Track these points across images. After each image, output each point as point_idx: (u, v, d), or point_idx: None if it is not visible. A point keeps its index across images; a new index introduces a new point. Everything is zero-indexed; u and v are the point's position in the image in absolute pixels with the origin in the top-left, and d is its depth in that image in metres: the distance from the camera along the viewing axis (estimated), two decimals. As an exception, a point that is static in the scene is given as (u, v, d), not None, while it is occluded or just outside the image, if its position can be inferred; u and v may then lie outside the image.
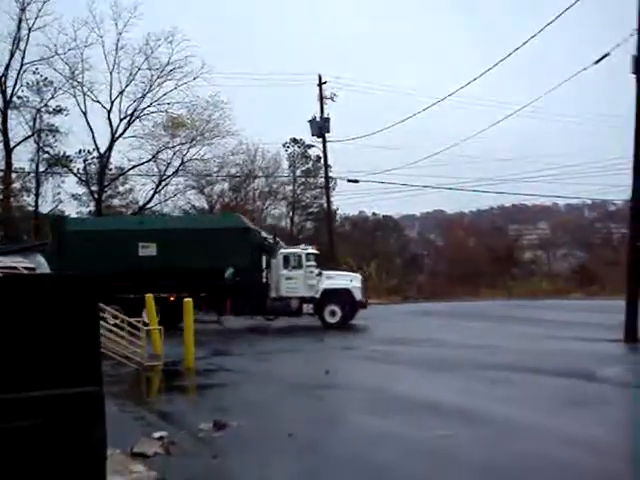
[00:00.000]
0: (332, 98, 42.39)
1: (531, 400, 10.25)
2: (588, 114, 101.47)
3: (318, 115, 42.06)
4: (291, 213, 51.83)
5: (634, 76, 17.79)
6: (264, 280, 24.92)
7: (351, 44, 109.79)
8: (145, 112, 42.25)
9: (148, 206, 44.85)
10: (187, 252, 23.32)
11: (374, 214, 59.24)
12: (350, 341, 19.41)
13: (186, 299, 14.68)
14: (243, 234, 24.91)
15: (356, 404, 10.14)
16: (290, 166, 50.86)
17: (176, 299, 22.66)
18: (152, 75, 41.28)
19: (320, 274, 24.21)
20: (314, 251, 25.53)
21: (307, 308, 24.03)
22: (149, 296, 17.03)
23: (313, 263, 24.55)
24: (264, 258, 25.24)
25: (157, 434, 8.00)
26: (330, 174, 44.12)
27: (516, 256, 54.53)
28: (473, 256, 52.39)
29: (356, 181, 41.38)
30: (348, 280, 24.61)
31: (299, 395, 11.17)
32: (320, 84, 42.35)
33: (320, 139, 42.68)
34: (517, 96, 75.79)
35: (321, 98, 42.29)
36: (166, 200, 45.87)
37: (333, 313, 23.74)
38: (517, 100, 62.84)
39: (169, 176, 44.28)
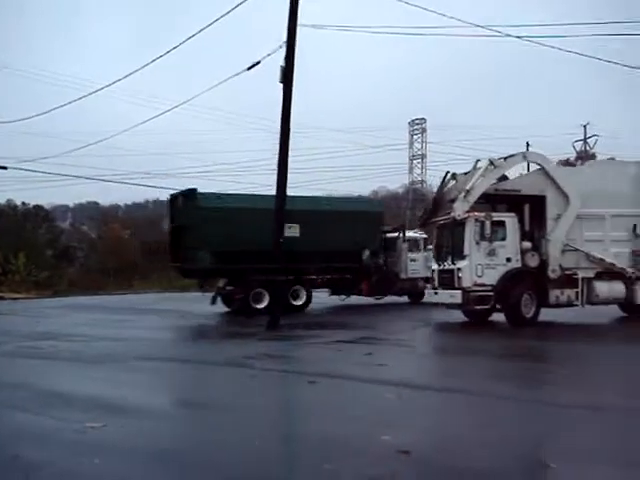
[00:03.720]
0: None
1: (182, 388, 10.76)
2: (245, 115, 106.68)
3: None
4: None
5: (282, 84, 19.34)
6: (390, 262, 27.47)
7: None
8: None
9: None
10: (329, 234, 24.13)
11: (24, 203, 56.39)
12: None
13: None
14: (378, 218, 26.97)
15: (3, 401, 9.75)
16: None
17: (322, 281, 25.99)
18: None
19: None
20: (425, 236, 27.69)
21: None
22: None
23: (429, 247, 25.59)
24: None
25: None
26: (-25, 159, 41.10)
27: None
28: (127, 249, 52.23)
29: (4, 168, 39.03)
30: None
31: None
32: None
33: (-37, 121, 39.61)
34: (184, 92, 77.16)
35: (-34, 77, 39.29)
36: None
37: None
38: (182, 96, 63.96)
39: None
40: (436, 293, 20.46)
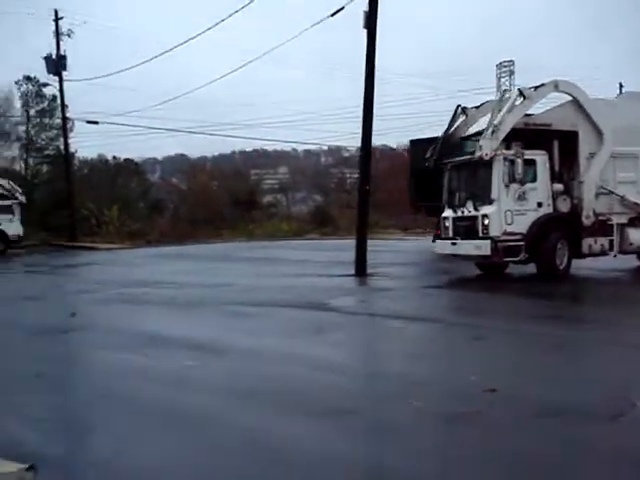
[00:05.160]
0: (69, 35, 40.63)
1: (272, 330, 11.04)
2: (327, 62, 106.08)
3: (54, 52, 40.17)
4: (25, 155, 48.98)
5: (365, 30, 19.17)
6: None
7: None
8: None
9: None
10: None
11: (115, 157, 57.81)
12: (95, 284, 19.07)
13: None
14: None
15: (107, 343, 10.25)
16: (23, 105, 47.87)
17: None
18: None
19: None
20: None
21: None
22: None
23: None
24: None
25: None
26: (68, 114, 42.40)
27: (257, 199, 56.09)
28: (216, 200, 53.14)
29: (96, 122, 40.19)
30: None
31: (45, 338, 11.01)
32: (56, 19, 40.29)
33: (57, 77, 40.80)
34: (262, 42, 77.32)
35: (57, 34, 40.31)
36: None
37: None
38: (262, 46, 64.14)
39: None
40: (454, 244, 18.00)
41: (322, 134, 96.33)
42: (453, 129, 18.87)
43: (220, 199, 53.63)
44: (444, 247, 18.66)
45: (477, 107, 18.78)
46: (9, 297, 16.80)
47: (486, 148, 16.73)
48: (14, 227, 34.48)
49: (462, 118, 18.86)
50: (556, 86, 17.95)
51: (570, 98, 18.14)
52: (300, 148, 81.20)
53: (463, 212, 17.78)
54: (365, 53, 19.15)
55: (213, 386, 7.44)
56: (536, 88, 17.69)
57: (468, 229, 17.49)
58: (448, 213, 18.39)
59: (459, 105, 18.95)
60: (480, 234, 17.02)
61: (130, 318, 12.74)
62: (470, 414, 6.12)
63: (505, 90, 17.99)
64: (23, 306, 15.31)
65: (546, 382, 7.29)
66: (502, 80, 18.57)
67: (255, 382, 7.54)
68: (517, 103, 17.38)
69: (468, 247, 17.46)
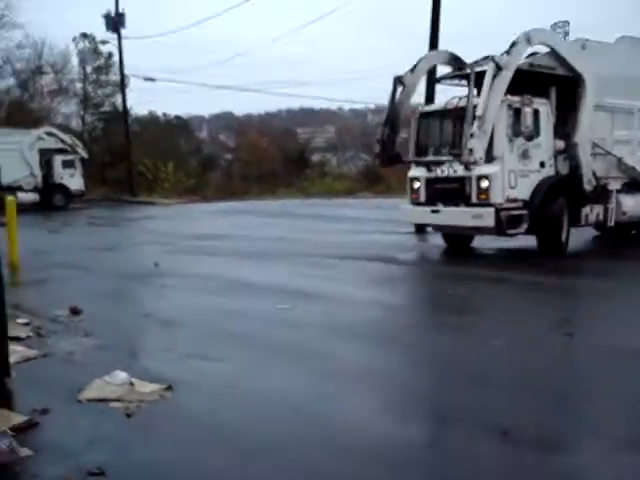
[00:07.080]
0: (129, -8, 41.36)
1: (347, 279, 11.88)
2: (378, 23, 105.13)
3: (113, 10, 41.00)
4: (82, 112, 50.19)
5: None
6: None
7: None
8: None
9: None
10: None
11: (165, 115, 58.65)
12: (162, 237, 19.86)
13: (9, 198, 14.44)
14: None
15: (198, 288, 11.09)
16: (80, 62, 48.99)
17: None
18: None
19: None
20: None
21: None
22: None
23: None
24: None
25: (21, 320, 8.46)
26: (125, 72, 43.33)
27: (307, 158, 56.59)
28: (267, 157, 53.80)
29: (153, 80, 41.04)
30: None
31: (140, 284, 11.88)
32: (115, -23, 41.01)
33: (115, 35, 41.66)
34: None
35: (116, -9, 41.07)
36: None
37: None
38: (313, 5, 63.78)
39: (-53, 70, 41.53)
40: (436, 211, 14.62)
41: (369, 93, 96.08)
42: (397, 106, 14.95)
43: (271, 157, 54.27)
44: (421, 216, 15.51)
45: (412, 71, 14.98)
46: (87, 247, 17.58)
47: (478, 150, 13.21)
48: (76, 181, 35.52)
49: (400, 89, 14.88)
50: (529, 40, 14.56)
51: (547, 49, 15.18)
52: (347, 107, 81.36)
53: (444, 171, 14.53)
54: (431, 15, 19.38)
55: (312, 324, 8.32)
56: (508, 51, 14.15)
57: (452, 194, 14.35)
58: (418, 172, 15.10)
59: (395, 76, 15.02)
60: (475, 200, 13.95)
61: (210, 267, 13.50)
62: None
63: (474, 62, 14.66)
64: (103, 256, 16.19)
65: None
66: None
67: (346, 320, 8.44)
68: (494, 78, 13.68)
69: (460, 216, 14.21)
